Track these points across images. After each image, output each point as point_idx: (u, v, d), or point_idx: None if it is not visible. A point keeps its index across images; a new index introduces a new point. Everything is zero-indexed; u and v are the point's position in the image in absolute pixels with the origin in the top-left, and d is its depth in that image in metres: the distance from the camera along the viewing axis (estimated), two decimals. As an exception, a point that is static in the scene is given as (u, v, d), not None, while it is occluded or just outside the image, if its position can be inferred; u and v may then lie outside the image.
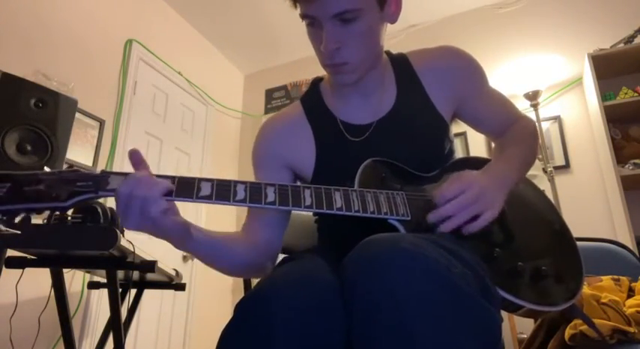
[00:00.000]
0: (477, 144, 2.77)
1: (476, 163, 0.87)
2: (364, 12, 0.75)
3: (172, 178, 0.64)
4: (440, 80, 0.91)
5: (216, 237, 0.79)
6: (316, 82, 0.98)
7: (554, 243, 0.85)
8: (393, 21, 0.84)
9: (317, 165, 0.89)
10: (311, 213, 1.04)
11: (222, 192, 0.65)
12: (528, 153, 0.89)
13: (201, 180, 0.65)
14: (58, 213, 0.57)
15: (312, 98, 0.96)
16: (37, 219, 1.40)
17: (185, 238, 0.70)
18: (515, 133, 0.93)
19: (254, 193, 0.66)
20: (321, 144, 0.90)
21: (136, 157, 0.65)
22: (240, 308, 0.60)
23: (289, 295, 0.58)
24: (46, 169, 0.62)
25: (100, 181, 0.62)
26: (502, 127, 0.96)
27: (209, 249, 0.77)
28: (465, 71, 0.92)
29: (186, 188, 0.64)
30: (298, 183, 0.92)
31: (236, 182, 0.66)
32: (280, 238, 0.92)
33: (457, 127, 1.02)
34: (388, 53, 0.95)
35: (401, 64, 0.93)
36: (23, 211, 0.60)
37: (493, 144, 1.00)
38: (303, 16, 0.78)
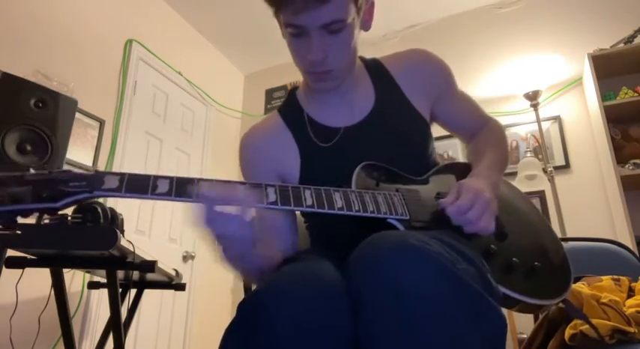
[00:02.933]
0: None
1: (463, 168, 0.92)
2: (348, 21, 0.77)
3: (171, 179, 0.63)
4: (415, 81, 0.94)
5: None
6: (292, 91, 1.00)
7: (541, 240, 0.89)
8: (367, 28, 0.87)
9: (302, 171, 0.90)
10: (302, 218, 1.04)
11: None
12: (504, 156, 0.95)
13: (200, 180, 0.64)
14: (51, 215, 0.54)
15: (290, 106, 0.97)
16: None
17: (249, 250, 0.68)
18: (488, 137, 0.98)
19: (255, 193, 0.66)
20: (303, 150, 0.91)
21: None
22: (243, 309, 0.60)
23: (293, 294, 0.58)
24: (32, 171, 0.60)
25: (94, 181, 0.61)
26: (472, 128, 1.01)
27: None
28: (436, 71, 0.96)
29: (187, 189, 0.63)
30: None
31: (236, 183, 0.66)
32: (297, 238, 0.93)
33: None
34: (361, 57, 0.97)
35: (376, 67, 0.96)
36: (10, 213, 0.57)
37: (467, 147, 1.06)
38: (288, 25, 0.79)
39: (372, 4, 0.86)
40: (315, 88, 0.89)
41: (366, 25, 0.87)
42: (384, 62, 0.97)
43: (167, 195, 0.62)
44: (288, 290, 0.59)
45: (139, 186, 0.61)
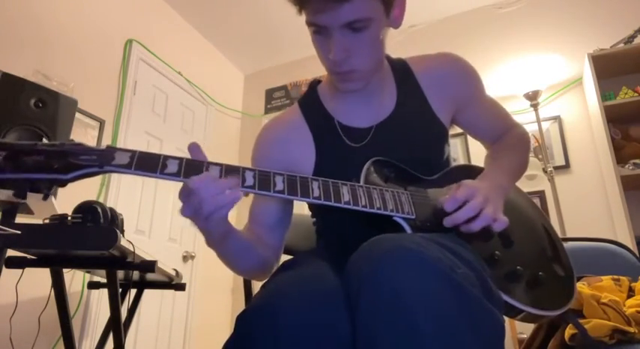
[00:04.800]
0: (478, 145, 2.77)
1: (477, 171, 0.89)
2: (373, 20, 0.75)
3: (180, 159, 0.63)
4: (439, 85, 0.92)
5: (246, 237, 0.81)
6: (314, 85, 0.98)
7: (546, 249, 0.87)
8: (397, 26, 0.83)
9: (316, 169, 0.89)
10: (309, 213, 1.04)
11: (230, 176, 0.63)
12: (521, 162, 0.93)
13: (210, 163, 0.64)
14: (58, 186, 0.53)
15: (311, 101, 0.95)
16: (36, 219, 1.40)
17: (225, 237, 0.71)
18: (509, 142, 0.96)
19: (263, 180, 0.65)
20: (320, 148, 0.90)
21: (195, 151, 0.65)
22: (242, 321, 0.59)
23: (293, 306, 0.58)
24: (45, 141, 0.60)
25: (105, 156, 0.60)
26: (496, 135, 0.98)
27: (240, 249, 0.78)
28: (464, 77, 0.94)
29: (195, 171, 0.63)
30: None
31: (244, 168, 0.65)
32: (283, 241, 0.93)
33: (457, 128, 1.02)
34: (387, 57, 0.95)
35: (401, 68, 0.94)
36: (20, 181, 0.57)
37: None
38: (310, 24, 0.76)
39: (404, 0, 0.82)
40: (341, 89, 0.86)
41: (395, 22, 0.82)
42: (410, 64, 0.94)
43: (176, 176, 0.61)
44: (286, 302, 0.59)
45: (149, 164, 0.61)
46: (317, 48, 0.81)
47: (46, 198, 0.61)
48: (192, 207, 0.60)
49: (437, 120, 0.91)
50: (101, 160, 0.60)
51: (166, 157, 0.62)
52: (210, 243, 0.72)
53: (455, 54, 0.95)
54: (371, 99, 0.90)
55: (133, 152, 0.61)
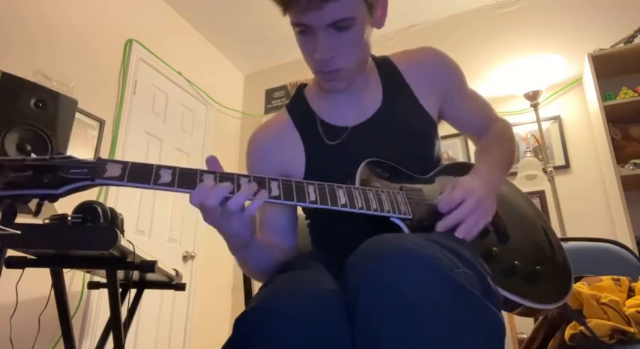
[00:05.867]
0: (477, 144, 2.77)
1: (468, 167, 0.90)
2: (357, 19, 0.76)
3: (173, 169, 0.63)
4: (424, 79, 0.93)
5: (265, 244, 0.84)
6: (301, 88, 0.99)
7: (543, 244, 0.88)
8: (380, 26, 0.86)
9: (307, 171, 0.90)
10: (303, 215, 1.04)
11: (225, 183, 0.63)
12: (510, 152, 0.94)
13: (203, 172, 0.64)
14: (49, 201, 0.52)
15: (298, 104, 0.96)
16: (36, 219, 1.40)
17: (249, 243, 0.74)
18: (495, 136, 0.96)
19: (258, 186, 0.65)
20: (308, 150, 0.91)
21: (212, 163, 0.67)
22: (240, 325, 0.59)
23: (291, 310, 0.57)
24: (33, 156, 0.58)
25: (96, 169, 0.59)
26: (482, 128, 0.99)
27: (263, 253, 0.80)
28: (447, 70, 0.95)
29: (189, 180, 0.62)
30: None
31: (239, 175, 0.65)
32: (297, 242, 0.95)
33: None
34: (372, 56, 0.96)
35: (385, 65, 0.95)
36: (9, 198, 0.55)
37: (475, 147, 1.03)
38: (295, 25, 0.77)
39: (386, 1, 0.84)
40: (327, 89, 0.88)
41: (378, 23, 0.84)
42: (393, 60, 0.96)
43: (169, 186, 0.61)
44: (284, 304, 0.58)
45: (142, 175, 0.60)
46: (302, 48, 0.82)
47: (36, 214, 0.60)
48: (208, 216, 0.64)
49: (426, 114, 0.92)
50: (92, 173, 0.59)
51: (159, 167, 0.62)
52: (233, 248, 0.75)
53: (435, 48, 0.97)
54: (355, 98, 0.91)
55: (125, 163, 0.60)
